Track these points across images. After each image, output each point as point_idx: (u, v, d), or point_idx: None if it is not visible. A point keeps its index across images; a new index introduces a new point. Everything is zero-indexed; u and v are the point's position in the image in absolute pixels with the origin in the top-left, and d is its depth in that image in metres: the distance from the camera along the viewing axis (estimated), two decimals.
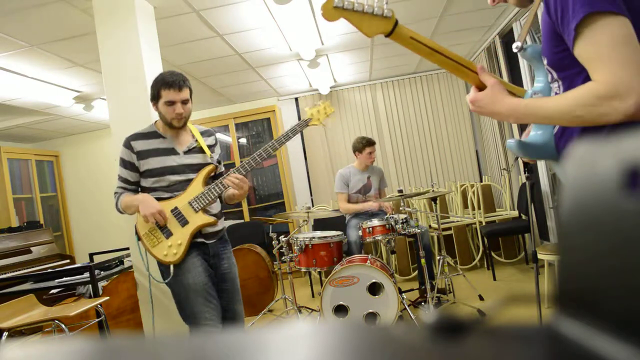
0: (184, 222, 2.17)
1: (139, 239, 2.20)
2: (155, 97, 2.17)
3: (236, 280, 2.36)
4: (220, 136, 5.84)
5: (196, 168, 2.24)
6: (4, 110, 4.99)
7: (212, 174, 2.30)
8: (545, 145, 1.15)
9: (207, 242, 2.24)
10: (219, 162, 2.37)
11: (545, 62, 1.11)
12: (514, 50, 1.24)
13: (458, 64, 1.19)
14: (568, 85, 1.02)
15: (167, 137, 2.22)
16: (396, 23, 1.19)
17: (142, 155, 2.18)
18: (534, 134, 1.18)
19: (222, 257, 2.31)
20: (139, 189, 2.26)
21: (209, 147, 2.31)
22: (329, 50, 4.77)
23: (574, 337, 0.29)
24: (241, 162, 2.25)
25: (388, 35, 1.20)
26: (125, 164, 2.20)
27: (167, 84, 2.12)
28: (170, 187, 2.19)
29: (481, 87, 1.17)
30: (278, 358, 0.30)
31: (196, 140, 2.27)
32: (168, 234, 2.16)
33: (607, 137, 0.97)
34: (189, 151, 2.24)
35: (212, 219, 2.20)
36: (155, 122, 2.28)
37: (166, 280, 2.16)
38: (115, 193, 2.26)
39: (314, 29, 4.09)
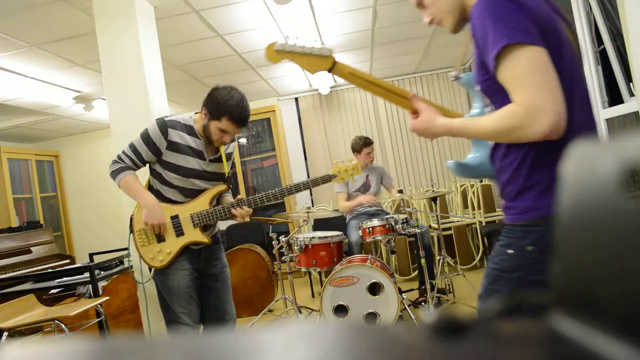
0: (179, 232, 2.14)
1: (131, 231, 2.19)
2: (213, 115, 2.06)
3: (228, 281, 2.34)
4: None
5: (210, 177, 2.20)
6: (4, 110, 4.99)
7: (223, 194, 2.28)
8: (482, 165, 1.26)
9: (200, 247, 2.21)
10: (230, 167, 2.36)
11: (477, 88, 1.18)
12: (451, 79, 1.35)
13: (394, 94, 1.32)
14: (498, 109, 1.09)
15: (201, 140, 2.16)
16: (334, 61, 1.33)
17: (173, 147, 2.10)
18: (472, 156, 1.29)
19: (215, 259, 2.30)
20: (150, 174, 2.21)
21: (227, 155, 2.29)
22: None
23: (574, 337, 0.29)
24: (254, 196, 2.20)
25: (329, 70, 1.34)
26: (149, 142, 2.09)
27: (235, 118, 2.04)
28: (187, 191, 2.15)
29: (416, 113, 1.28)
30: (278, 358, 0.30)
31: (219, 150, 2.24)
32: (160, 239, 2.14)
33: (527, 156, 1.05)
34: (213, 159, 2.21)
35: (206, 239, 2.17)
36: (195, 114, 2.19)
37: (145, 281, 2.18)
38: (119, 161, 2.16)
39: (314, 29, 4.09)
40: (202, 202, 2.17)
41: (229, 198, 2.32)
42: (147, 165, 2.20)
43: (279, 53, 1.31)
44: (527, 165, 1.07)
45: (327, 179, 2.26)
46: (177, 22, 3.56)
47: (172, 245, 2.14)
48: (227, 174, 2.27)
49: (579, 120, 1.06)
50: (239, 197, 2.22)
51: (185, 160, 2.12)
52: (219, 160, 2.24)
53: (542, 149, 1.03)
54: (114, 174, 2.15)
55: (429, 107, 1.26)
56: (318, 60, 1.32)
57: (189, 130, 2.14)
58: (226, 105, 2.03)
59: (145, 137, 2.11)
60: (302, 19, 3.81)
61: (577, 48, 1.18)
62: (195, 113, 2.20)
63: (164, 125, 2.09)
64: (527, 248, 1.06)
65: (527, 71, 0.99)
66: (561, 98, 0.98)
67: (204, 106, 2.10)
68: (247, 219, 2.15)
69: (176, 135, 2.10)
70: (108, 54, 3.03)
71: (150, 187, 2.22)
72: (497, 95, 1.08)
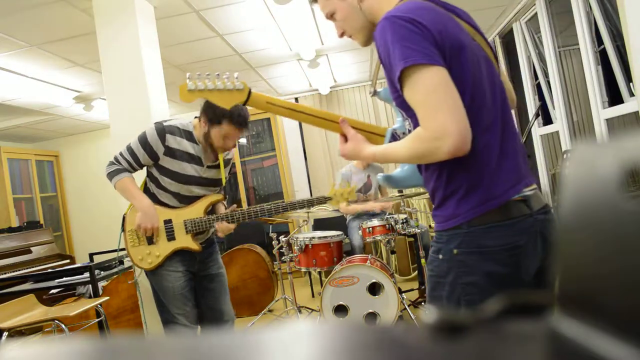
0: (171, 237, 2.14)
1: (123, 230, 2.19)
2: (214, 121, 2.05)
3: (224, 282, 2.34)
4: None
5: (207, 183, 2.20)
6: (4, 110, 4.99)
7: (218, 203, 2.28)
8: (410, 177, 1.30)
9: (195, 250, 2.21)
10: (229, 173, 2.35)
11: (393, 103, 1.20)
12: (369, 94, 1.37)
13: (320, 119, 1.36)
14: (415, 122, 1.11)
15: (200, 146, 2.15)
16: (249, 92, 1.36)
17: (172, 153, 2.10)
18: (399, 170, 1.33)
19: (210, 260, 2.30)
20: (147, 176, 2.21)
21: (226, 161, 2.28)
22: (329, 50, 4.77)
23: (574, 337, 0.29)
24: (248, 210, 2.19)
25: (244, 103, 1.37)
26: (146, 146, 2.09)
27: (235, 120, 2.04)
28: (182, 197, 2.15)
29: (345, 137, 1.33)
30: (278, 358, 0.30)
31: (217, 158, 2.23)
32: (151, 242, 2.14)
33: (442, 169, 1.10)
34: (211, 165, 2.20)
35: (197, 247, 2.17)
36: (194, 119, 2.17)
37: (132, 281, 2.18)
38: (117, 162, 2.15)
39: (314, 29, 4.09)
40: (197, 209, 2.17)
41: (221, 208, 2.32)
42: (144, 168, 2.20)
43: (192, 92, 1.32)
44: (445, 176, 1.11)
45: (322, 200, 2.32)
46: (177, 22, 3.56)
47: (162, 249, 2.14)
48: (224, 182, 2.26)
49: (492, 130, 1.09)
50: (232, 207, 2.21)
51: (183, 167, 2.11)
52: (217, 166, 2.23)
53: (456, 160, 1.04)
54: (111, 176, 2.15)
55: (357, 134, 1.31)
56: (232, 94, 1.36)
57: (188, 135, 2.13)
58: (230, 108, 2.04)
59: (143, 140, 2.10)
60: (302, 19, 3.81)
61: (493, 57, 1.20)
62: (195, 117, 2.19)
63: (162, 131, 2.09)
64: (454, 251, 1.10)
65: (427, 92, 1.01)
66: (463, 116, 1.00)
67: (202, 114, 2.08)
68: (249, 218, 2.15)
69: (174, 141, 2.09)
70: (108, 54, 3.03)
71: (146, 190, 2.21)
72: (411, 110, 1.10)
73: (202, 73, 1.35)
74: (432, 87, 1.01)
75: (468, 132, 1.00)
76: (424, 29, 1.03)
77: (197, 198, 2.18)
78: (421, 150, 1.05)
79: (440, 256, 1.13)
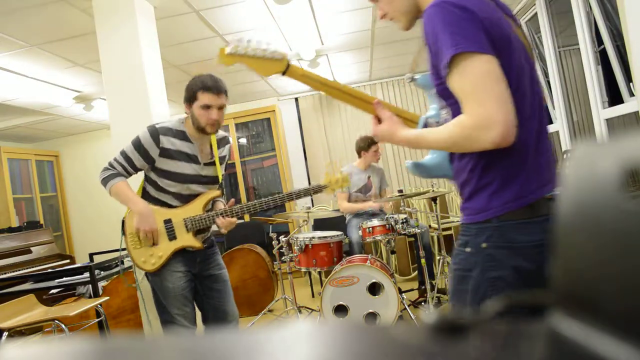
0: (172, 236, 2.14)
1: (123, 234, 2.19)
2: (190, 99, 2.08)
3: (228, 281, 2.33)
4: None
5: (207, 181, 2.20)
6: (4, 110, 4.99)
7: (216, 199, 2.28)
8: (440, 166, 1.27)
9: (194, 250, 2.21)
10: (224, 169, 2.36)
11: (433, 91, 1.19)
12: (406, 81, 1.35)
13: (354, 98, 1.33)
14: (454, 111, 1.11)
15: (195, 144, 2.15)
16: (288, 63, 1.33)
17: (167, 153, 2.10)
18: (429, 157, 1.30)
19: (211, 260, 2.29)
20: (145, 180, 2.20)
21: (221, 158, 2.28)
22: (329, 50, 4.77)
23: (574, 337, 0.29)
24: (247, 204, 2.18)
25: (283, 73, 1.34)
26: (140, 149, 2.09)
27: (206, 87, 2.04)
28: (183, 196, 2.15)
29: (379, 119, 1.30)
30: (278, 358, 0.30)
31: (213, 155, 2.23)
32: (152, 243, 2.14)
33: (479, 159, 1.07)
34: (208, 163, 2.20)
35: (199, 244, 2.17)
36: (184, 120, 2.18)
37: (134, 284, 2.18)
38: (111, 167, 2.14)
39: (314, 29, 4.09)
40: (196, 206, 2.16)
41: (220, 204, 2.32)
42: (139, 172, 2.19)
43: (230, 56, 1.31)
44: (480, 167, 1.09)
45: (318, 189, 2.32)
46: (177, 22, 3.56)
47: (164, 249, 2.13)
48: (220, 179, 2.26)
49: (530, 125, 1.08)
50: (231, 201, 2.21)
51: (180, 166, 2.12)
52: (214, 163, 2.23)
53: (494, 152, 1.03)
54: (105, 181, 2.13)
55: (393, 116, 1.28)
56: (271, 63, 1.32)
57: (181, 135, 2.13)
58: (196, 82, 2.08)
59: (137, 144, 2.10)
60: (302, 19, 3.81)
61: (530, 50, 1.19)
62: (185, 115, 2.20)
63: (155, 132, 2.09)
64: (482, 245, 1.08)
65: (476, 81, 1.00)
66: (511, 107, 0.99)
67: (184, 103, 2.13)
68: (248, 217, 2.12)
69: (168, 142, 2.10)
70: (108, 54, 3.03)
71: (145, 194, 2.20)
72: (452, 98, 1.09)
73: (242, 38, 1.33)
74: (481, 75, 1.00)
75: (514, 124, 0.99)
76: (474, 16, 1.02)
77: (196, 196, 2.18)
78: (462, 138, 1.03)
79: (468, 249, 1.11)
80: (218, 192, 2.24)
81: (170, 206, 2.16)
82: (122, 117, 2.97)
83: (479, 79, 1.00)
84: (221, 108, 2.10)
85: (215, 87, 2.05)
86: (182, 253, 2.16)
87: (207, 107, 2.06)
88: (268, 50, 1.31)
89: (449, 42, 1.01)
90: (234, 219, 2.16)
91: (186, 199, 2.17)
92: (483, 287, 1.09)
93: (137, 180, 2.24)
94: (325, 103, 6.28)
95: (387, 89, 6.20)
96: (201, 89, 2.05)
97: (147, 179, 2.20)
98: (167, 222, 2.14)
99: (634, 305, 0.27)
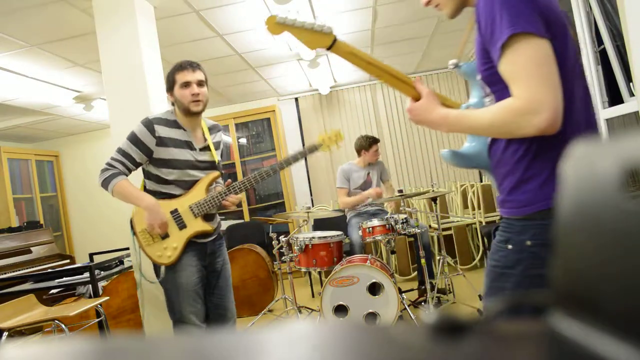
0: (182, 225, 2.14)
1: (134, 233, 2.18)
2: (170, 85, 2.15)
3: (229, 278, 2.35)
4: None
5: (205, 166, 2.22)
6: (4, 110, 4.99)
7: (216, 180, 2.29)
8: (478, 155, 1.24)
9: (205, 241, 2.22)
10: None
11: (479, 77, 1.17)
12: (450, 68, 1.34)
13: (395, 78, 1.29)
14: (498, 98, 1.08)
15: (187, 130, 2.19)
16: (335, 38, 1.31)
17: (163, 142, 2.11)
18: (468, 145, 1.27)
19: (218, 254, 2.30)
20: (145, 177, 2.20)
21: (216, 144, 2.30)
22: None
23: (574, 337, 0.29)
24: (242, 180, 2.23)
25: (329, 48, 1.32)
26: (137, 142, 2.09)
27: (180, 66, 2.13)
28: (184, 183, 2.16)
29: (418, 100, 1.25)
30: (278, 358, 0.30)
31: (206, 139, 2.26)
32: (164, 236, 2.13)
33: (529, 148, 1.04)
34: (203, 148, 2.23)
35: (210, 227, 2.18)
36: (173, 110, 2.21)
37: (159, 280, 2.17)
38: (110, 167, 2.11)
39: None
40: (198, 191, 2.18)
41: (219, 188, 2.32)
42: (138, 169, 2.19)
43: (279, 25, 1.31)
44: (528, 158, 1.06)
45: (312, 149, 2.38)
46: (177, 22, 3.56)
47: (177, 239, 2.13)
48: (217, 162, 2.27)
49: (579, 115, 1.06)
50: (228, 182, 2.24)
51: (177, 153, 2.14)
52: (209, 149, 2.25)
53: (544, 142, 1.01)
54: (105, 183, 2.09)
55: (432, 93, 1.23)
56: (318, 36, 1.31)
57: (173, 124, 2.17)
58: (170, 70, 2.17)
59: (133, 138, 2.11)
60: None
61: (577, 44, 1.19)
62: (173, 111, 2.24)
63: (149, 123, 2.12)
64: (527, 243, 1.05)
65: (529, 64, 0.98)
66: (560, 93, 0.97)
67: (167, 93, 2.21)
68: (245, 213, 2.13)
69: (162, 131, 2.13)
70: (108, 54, 3.03)
71: (147, 191, 2.19)
72: (498, 85, 1.07)
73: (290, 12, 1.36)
74: (536, 58, 0.98)
75: (561, 111, 0.97)
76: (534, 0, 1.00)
77: (196, 182, 2.20)
78: (508, 122, 1.01)
79: (510, 246, 1.08)
80: (217, 173, 2.25)
81: (173, 196, 2.16)
82: (122, 117, 2.97)
83: (533, 61, 0.98)
84: (201, 84, 2.15)
85: (188, 63, 2.14)
86: (193, 246, 2.17)
87: (186, 84, 2.11)
88: (316, 24, 1.31)
89: (507, 22, 0.99)
90: (239, 195, 2.22)
91: (188, 185, 2.17)
92: (524, 286, 1.05)
93: (137, 180, 2.24)
94: (325, 103, 6.29)
95: (387, 89, 6.20)
96: (176, 70, 2.14)
97: (146, 175, 2.20)
98: (174, 212, 2.14)
99: (634, 305, 0.27)
